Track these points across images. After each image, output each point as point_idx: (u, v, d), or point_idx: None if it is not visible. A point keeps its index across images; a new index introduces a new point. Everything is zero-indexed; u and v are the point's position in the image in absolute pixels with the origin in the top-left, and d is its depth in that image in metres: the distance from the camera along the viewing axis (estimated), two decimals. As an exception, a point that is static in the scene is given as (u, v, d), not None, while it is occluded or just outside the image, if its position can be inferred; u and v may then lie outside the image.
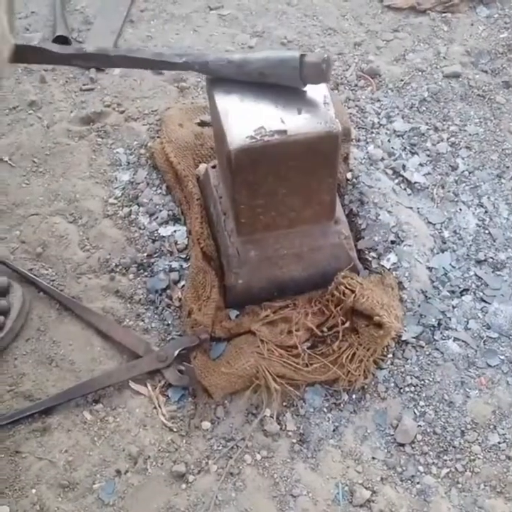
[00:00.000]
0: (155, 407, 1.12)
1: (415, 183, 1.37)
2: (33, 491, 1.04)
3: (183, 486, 1.04)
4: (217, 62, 1.01)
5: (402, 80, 1.56)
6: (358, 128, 1.47)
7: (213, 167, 1.27)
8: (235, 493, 1.03)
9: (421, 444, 1.08)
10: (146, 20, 1.74)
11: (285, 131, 0.97)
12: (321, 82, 0.99)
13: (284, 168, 1.02)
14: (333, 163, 1.05)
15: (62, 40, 1.64)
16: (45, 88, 1.57)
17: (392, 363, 1.15)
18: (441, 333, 1.18)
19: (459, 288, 1.23)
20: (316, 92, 1.01)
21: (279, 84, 0.99)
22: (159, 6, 1.78)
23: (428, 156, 1.42)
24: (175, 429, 1.09)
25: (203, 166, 1.34)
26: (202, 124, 1.45)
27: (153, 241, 1.31)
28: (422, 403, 1.12)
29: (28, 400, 1.12)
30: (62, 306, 1.23)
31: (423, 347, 1.17)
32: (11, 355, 1.17)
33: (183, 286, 1.23)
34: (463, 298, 1.22)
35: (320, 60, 0.95)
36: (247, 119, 0.99)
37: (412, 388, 1.13)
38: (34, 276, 1.25)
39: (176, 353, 1.14)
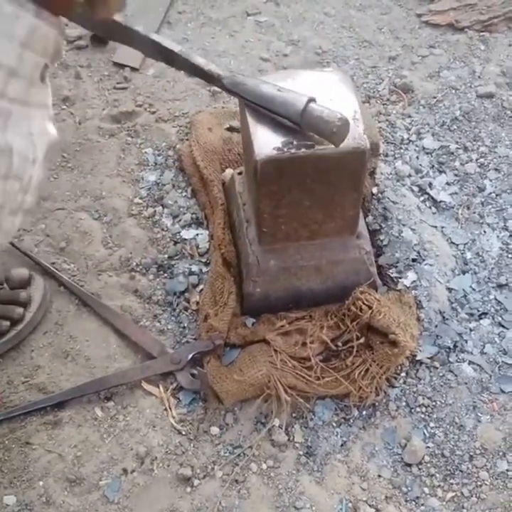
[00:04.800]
0: (165, 409, 1.12)
1: (441, 202, 1.36)
2: (41, 483, 1.05)
3: (188, 489, 1.05)
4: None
5: (434, 97, 1.55)
6: (387, 143, 1.46)
7: (239, 174, 1.27)
8: (239, 500, 1.04)
9: (428, 465, 1.08)
10: (183, 23, 1.76)
11: (313, 145, 0.97)
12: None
13: (309, 181, 1.02)
14: (359, 179, 1.05)
15: (99, 37, 1.66)
16: (80, 84, 1.59)
17: (404, 382, 1.15)
18: (456, 355, 1.17)
19: (478, 311, 1.22)
20: (346, 107, 1.01)
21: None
22: (197, 9, 1.79)
23: (456, 175, 1.41)
24: (183, 432, 1.10)
25: (229, 172, 1.35)
26: (231, 129, 1.45)
27: (175, 243, 1.32)
28: (432, 424, 1.11)
29: (41, 392, 1.14)
30: (81, 301, 1.24)
31: (437, 368, 1.16)
32: (28, 347, 1.19)
33: (202, 290, 1.24)
34: (481, 321, 1.21)
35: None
36: (276, 130, 0.99)
37: (423, 409, 1.12)
38: (56, 270, 1.27)
39: (190, 356, 1.14)
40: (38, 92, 0.67)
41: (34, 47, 0.63)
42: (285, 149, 0.97)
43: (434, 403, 1.13)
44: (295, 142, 0.97)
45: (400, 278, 1.23)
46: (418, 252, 1.25)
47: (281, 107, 0.96)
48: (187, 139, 1.46)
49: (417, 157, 1.44)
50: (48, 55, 0.67)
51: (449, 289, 1.24)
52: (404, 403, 1.13)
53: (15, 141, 0.64)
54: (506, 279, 1.26)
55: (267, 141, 0.98)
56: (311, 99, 0.95)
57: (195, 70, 1.04)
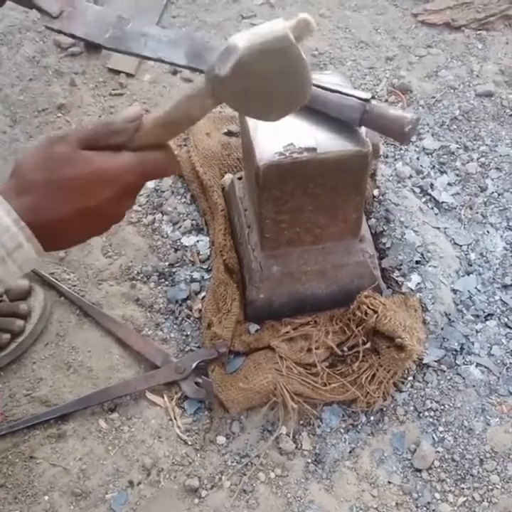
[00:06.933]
0: (170, 419, 1.11)
1: (443, 202, 1.35)
2: (46, 497, 1.04)
3: (196, 500, 1.03)
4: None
5: (433, 97, 1.54)
6: (387, 144, 1.45)
7: (239, 179, 1.26)
8: (248, 510, 1.02)
9: (438, 470, 1.06)
10: (177, 27, 1.74)
11: (314, 149, 0.96)
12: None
13: (311, 185, 1.01)
14: (362, 182, 1.03)
15: (93, 44, 1.64)
16: (75, 91, 1.58)
17: (412, 386, 1.14)
18: (463, 357, 1.16)
19: (484, 312, 1.21)
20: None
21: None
22: (191, 12, 1.78)
23: (457, 175, 1.40)
24: (189, 443, 1.09)
25: (228, 177, 1.34)
26: (229, 134, 1.44)
27: (176, 250, 1.30)
28: (441, 428, 1.10)
29: (44, 405, 1.12)
30: (82, 311, 1.23)
31: (444, 371, 1.15)
32: (29, 359, 1.17)
33: (204, 297, 1.23)
34: (487, 323, 1.20)
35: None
36: (277, 134, 0.98)
37: (432, 413, 1.11)
38: (56, 281, 1.25)
39: (194, 365, 1.13)
40: None
41: None
42: (287, 154, 0.96)
43: (442, 407, 1.12)
44: (297, 146, 0.96)
45: (404, 281, 1.21)
46: (422, 254, 1.24)
47: (338, 108, 0.96)
48: (185, 145, 1.44)
49: (418, 158, 1.43)
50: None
51: (454, 291, 1.23)
52: (412, 408, 1.12)
53: None
54: (511, 280, 1.24)
55: (268, 146, 0.97)
56: (367, 99, 0.94)
57: None
